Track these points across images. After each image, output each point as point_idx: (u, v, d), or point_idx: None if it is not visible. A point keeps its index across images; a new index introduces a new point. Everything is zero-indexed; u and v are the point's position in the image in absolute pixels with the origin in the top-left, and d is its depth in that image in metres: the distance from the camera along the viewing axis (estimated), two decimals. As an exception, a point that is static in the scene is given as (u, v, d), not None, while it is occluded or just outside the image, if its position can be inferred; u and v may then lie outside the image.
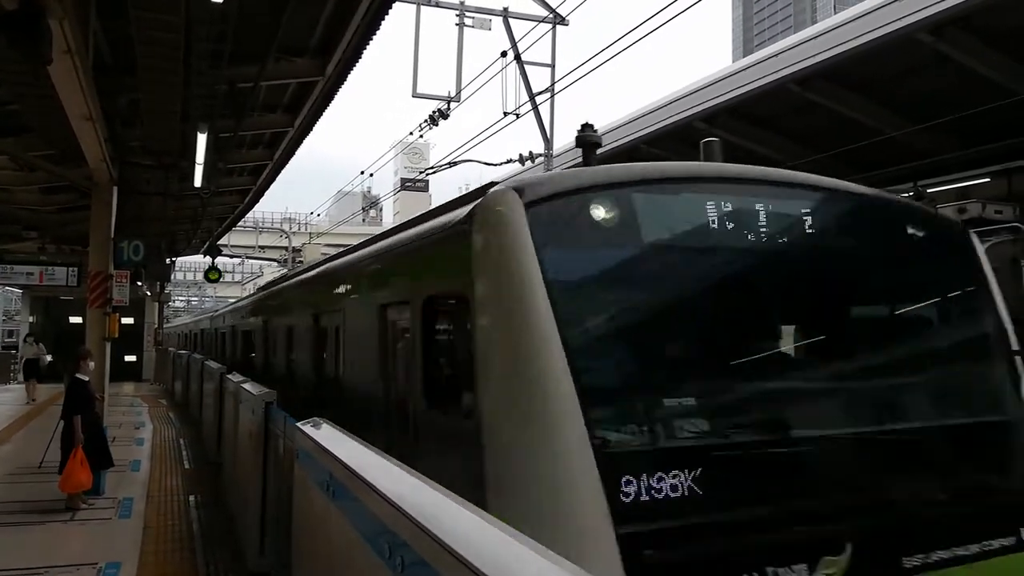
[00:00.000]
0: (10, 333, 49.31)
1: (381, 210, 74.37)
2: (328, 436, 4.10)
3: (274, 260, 45.85)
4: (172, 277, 32.20)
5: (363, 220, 62.30)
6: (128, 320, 21.58)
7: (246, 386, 8.32)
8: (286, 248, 40.36)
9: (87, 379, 9.29)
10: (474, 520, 2.26)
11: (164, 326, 34.63)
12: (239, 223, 26.65)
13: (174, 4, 6.88)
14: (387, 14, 9.18)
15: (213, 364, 14.07)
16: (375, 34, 9.76)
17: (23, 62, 6.12)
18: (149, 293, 29.24)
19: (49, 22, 5.33)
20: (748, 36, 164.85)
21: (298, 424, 4.68)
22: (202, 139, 10.39)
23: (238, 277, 64.83)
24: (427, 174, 16.96)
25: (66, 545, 7.46)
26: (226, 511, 8.73)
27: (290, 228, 50.87)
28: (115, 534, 7.82)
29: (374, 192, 73.62)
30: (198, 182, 12.54)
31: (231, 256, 43.64)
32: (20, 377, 23.21)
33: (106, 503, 9.01)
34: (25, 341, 24.69)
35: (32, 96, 8.41)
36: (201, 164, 11.38)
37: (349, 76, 11.21)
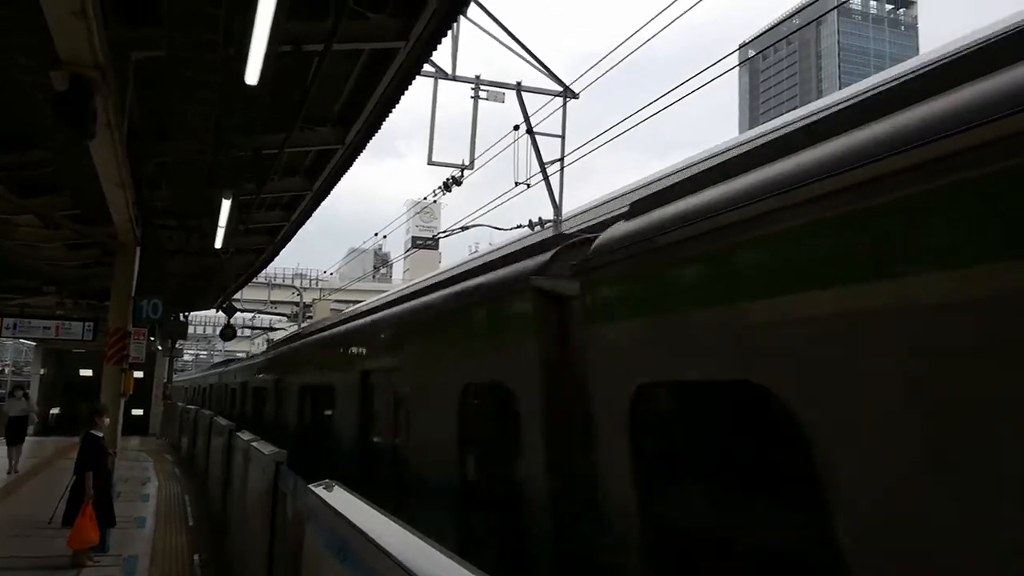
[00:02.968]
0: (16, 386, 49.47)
1: (391, 266, 75.12)
2: (340, 499, 4.24)
3: (284, 315, 46.26)
4: (191, 332, 32.15)
5: (373, 277, 62.89)
6: (138, 374, 20.79)
7: (256, 444, 8.45)
8: (297, 303, 40.74)
9: (101, 435, 9.44)
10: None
11: (172, 380, 34.77)
12: (252, 279, 27.04)
13: (210, 83, 7.31)
14: (407, 88, 9.63)
15: (222, 420, 14.19)
16: (395, 106, 10.21)
17: (68, 137, 6.49)
18: (160, 348, 29.51)
19: (95, 100, 5.72)
20: (755, 104, 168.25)
21: (310, 486, 4.81)
22: (226, 204, 10.78)
23: (247, 332, 65.21)
24: (440, 236, 17.30)
25: (72, 602, 7.50)
26: (230, 570, 8.74)
27: (301, 284, 51.50)
28: (121, 593, 7.86)
29: (384, 250, 74.60)
30: (219, 243, 12.91)
31: (242, 310, 44.07)
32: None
33: (111, 560, 9.04)
34: (12, 395, 19.73)
35: (71, 165, 8.83)
36: (223, 227, 11.76)
37: (368, 144, 11.68)
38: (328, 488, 4.66)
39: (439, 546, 3.02)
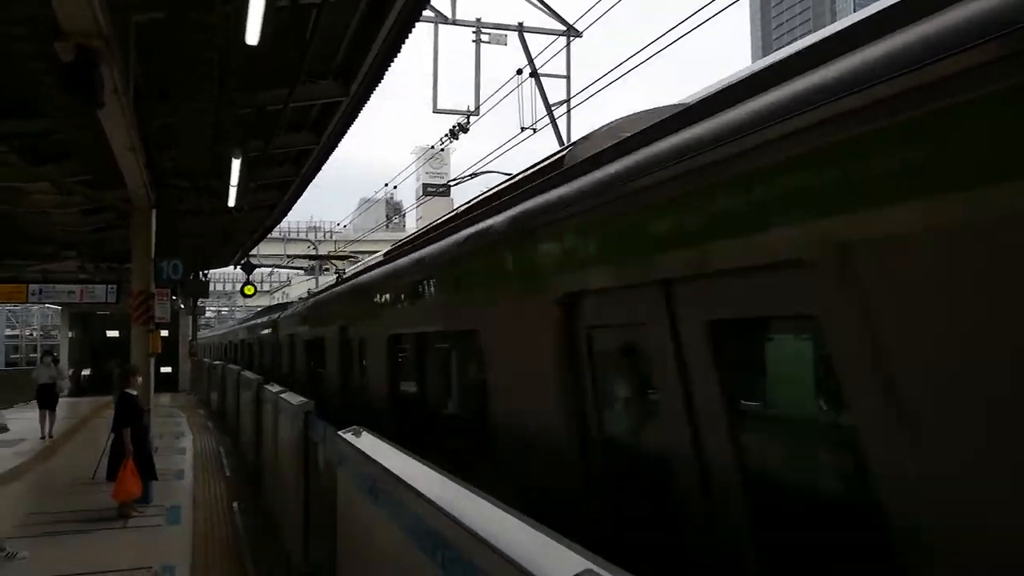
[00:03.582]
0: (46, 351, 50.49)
1: (404, 216, 75.13)
2: (370, 444, 4.47)
3: (301, 269, 46.68)
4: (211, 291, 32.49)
5: (387, 227, 63.09)
6: (163, 333, 20.95)
7: (284, 396, 8.75)
8: (313, 257, 41.06)
9: (135, 393, 9.80)
10: (509, 519, 2.61)
11: (197, 337, 35.45)
12: (267, 235, 27.25)
13: (210, 43, 7.32)
14: (407, 38, 9.55)
15: (249, 374, 14.57)
16: (396, 55, 10.14)
17: (78, 107, 6.57)
18: (183, 306, 30.00)
19: (102, 69, 5.79)
20: (767, 31, 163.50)
21: (339, 432, 5.05)
22: (236, 162, 10.87)
23: (266, 287, 65.95)
24: (452, 184, 17.28)
25: (122, 551, 7.93)
26: (268, 517, 9.16)
27: (315, 237, 51.76)
28: (166, 540, 8.28)
29: (396, 199, 74.47)
30: (232, 202, 13.04)
31: (260, 266, 44.51)
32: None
33: (155, 511, 9.49)
34: (42, 361, 19.55)
35: (82, 133, 8.92)
36: (235, 185, 11.87)
37: (372, 95, 11.63)
38: (356, 434, 4.89)
39: (461, 481, 3.22)
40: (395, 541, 3.40)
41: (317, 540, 6.91)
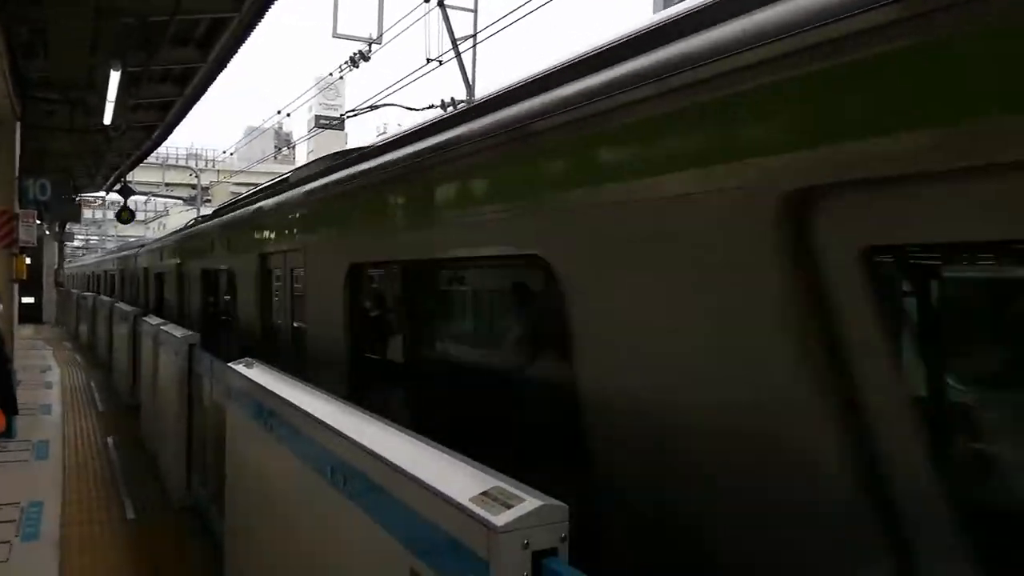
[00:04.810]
0: None
1: (294, 148, 72.14)
2: (262, 374, 4.36)
3: (180, 199, 44.20)
4: (83, 216, 29.85)
5: (275, 158, 60.30)
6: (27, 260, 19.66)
7: (167, 328, 8.37)
8: (193, 187, 38.97)
9: (-5, 320, 9.09)
10: (412, 442, 2.63)
11: (65, 265, 33.13)
12: (145, 159, 25.56)
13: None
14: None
15: (125, 307, 13.80)
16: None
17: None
18: (49, 232, 27.86)
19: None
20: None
21: (230, 364, 4.90)
22: (114, 76, 10.02)
23: (140, 216, 61.87)
24: (347, 116, 16.71)
25: (-16, 486, 7.45)
26: (146, 452, 8.83)
27: (197, 165, 48.98)
28: (34, 475, 7.83)
29: (286, 130, 71.26)
30: (107, 119, 12.06)
31: (136, 193, 41.78)
32: None
33: (19, 445, 8.93)
34: None
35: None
36: (111, 101, 10.97)
37: (266, 13, 10.98)
38: (248, 365, 4.77)
39: (361, 408, 3.22)
40: (292, 470, 3.36)
41: (199, 475, 6.77)
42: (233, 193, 36.02)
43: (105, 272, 29.10)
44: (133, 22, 9.71)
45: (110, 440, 9.54)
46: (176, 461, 7.16)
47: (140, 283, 18.98)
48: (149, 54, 10.66)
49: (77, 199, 21.30)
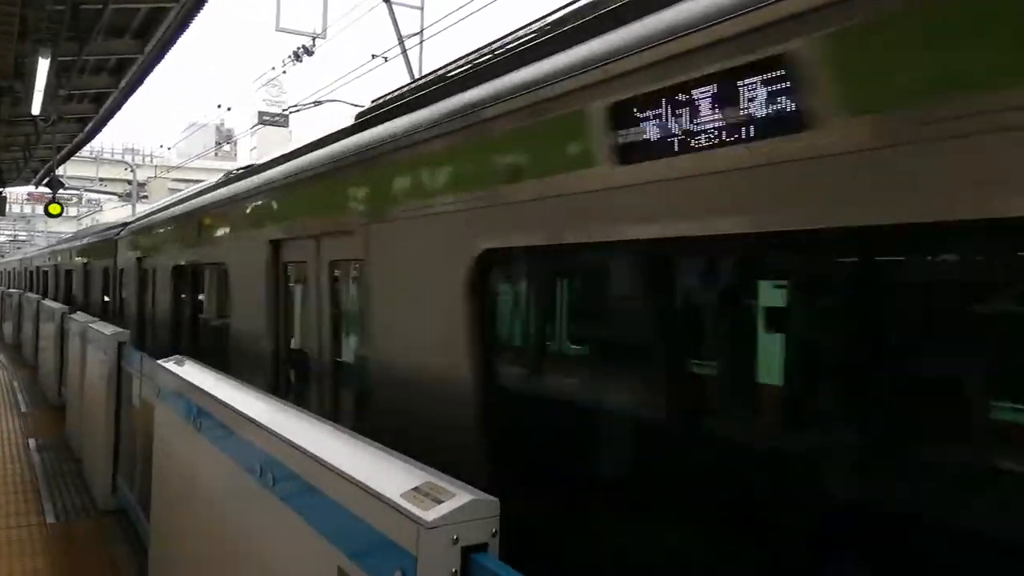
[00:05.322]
0: None
1: (236, 144, 70.49)
2: (193, 372, 4.23)
3: (115, 194, 42.77)
4: (7, 210, 27.99)
5: (216, 154, 58.82)
6: None
7: (95, 326, 8.05)
8: (129, 182, 37.76)
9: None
10: (344, 439, 2.58)
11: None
12: (77, 153, 24.65)
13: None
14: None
15: (52, 304, 13.25)
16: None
17: None
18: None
19: None
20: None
21: (160, 362, 4.74)
22: (43, 64, 9.59)
23: (72, 212, 59.62)
24: (290, 111, 16.40)
25: None
26: (71, 454, 8.49)
27: (133, 159, 47.49)
28: (-52, 478, 7.46)
29: (227, 126, 69.59)
30: (36, 109, 11.54)
31: (67, 188, 40.24)
32: None
33: (-67, 447, 8.51)
34: None
35: None
36: (40, 91, 10.50)
37: (206, 4, 10.69)
38: (179, 363, 4.62)
39: (293, 406, 3.14)
40: (222, 471, 3.26)
41: (125, 477, 6.53)
42: (171, 189, 34.95)
43: (56, 268, 20.11)
44: (63, 8, 9.33)
45: (32, 442, 9.14)
46: (102, 463, 6.90)
47: (133, 287, 11.83)
48: (81, 43, 10.26)
49: (3, 192, 20.39)
